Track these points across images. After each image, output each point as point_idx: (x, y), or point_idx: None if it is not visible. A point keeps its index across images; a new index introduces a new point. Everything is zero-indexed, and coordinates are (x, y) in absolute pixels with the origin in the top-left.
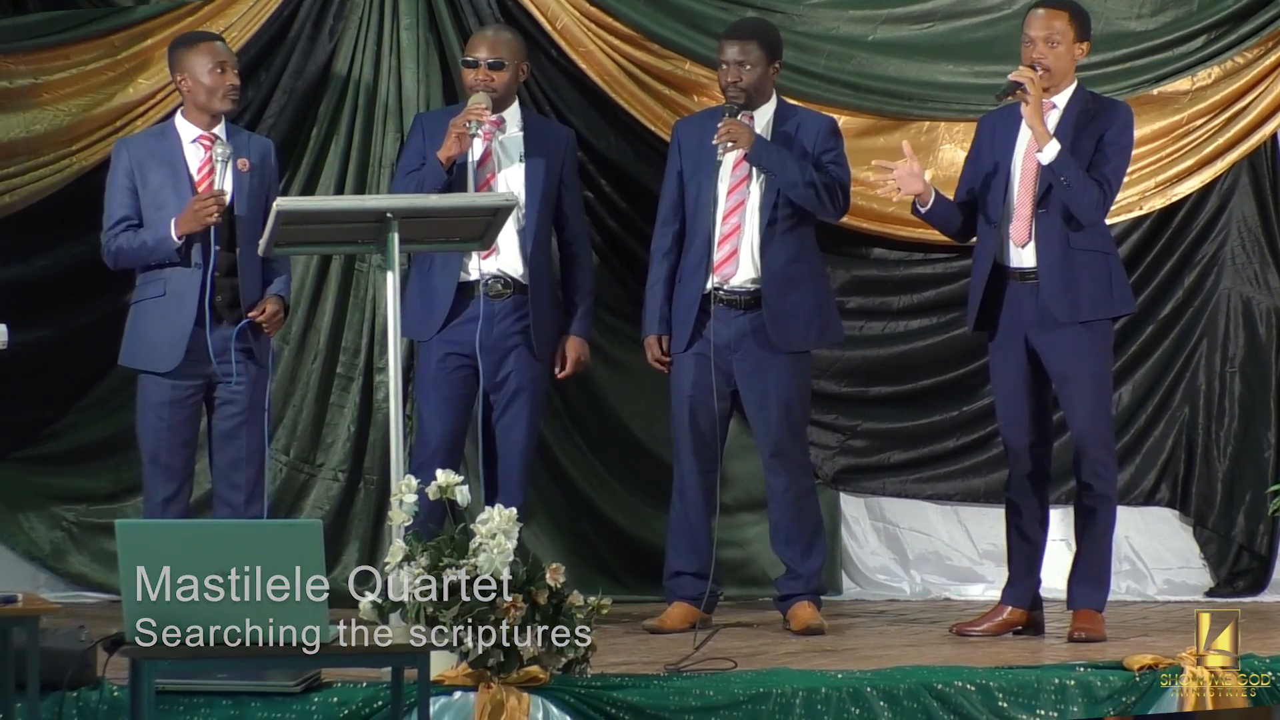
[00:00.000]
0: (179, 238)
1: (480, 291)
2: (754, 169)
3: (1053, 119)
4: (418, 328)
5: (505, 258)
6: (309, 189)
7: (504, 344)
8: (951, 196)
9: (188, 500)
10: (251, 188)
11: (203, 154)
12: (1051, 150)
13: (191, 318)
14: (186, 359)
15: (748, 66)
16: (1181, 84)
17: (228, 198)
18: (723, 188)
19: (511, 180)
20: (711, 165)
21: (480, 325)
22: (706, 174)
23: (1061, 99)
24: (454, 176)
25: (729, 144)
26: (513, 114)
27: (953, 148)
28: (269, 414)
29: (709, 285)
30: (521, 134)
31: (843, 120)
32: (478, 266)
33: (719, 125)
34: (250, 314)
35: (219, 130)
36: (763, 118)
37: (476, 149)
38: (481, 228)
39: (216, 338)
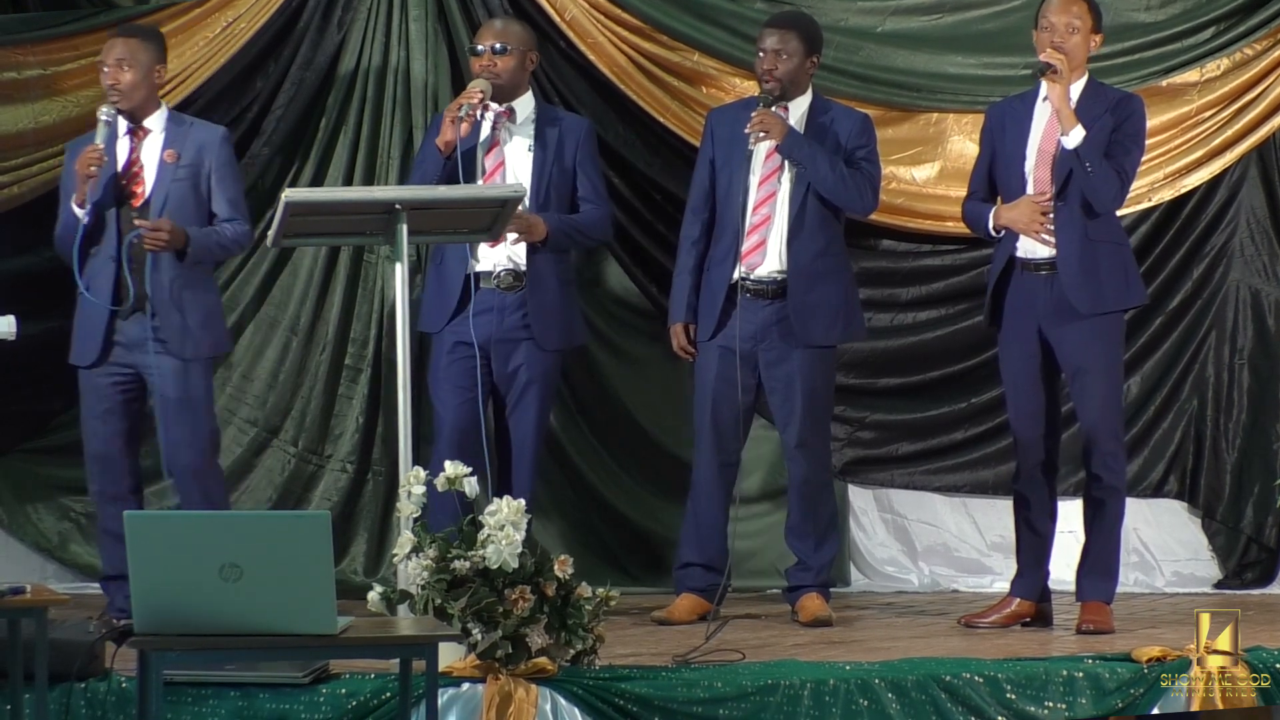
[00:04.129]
0: (78, 204)
1: (482, 284)
2: (786, 161)
3: None
4: (431, 321)
5: (513, 248)
6: (317, 180)
7: (515, 335)
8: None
9: (132, 496)
10: (176, 178)
11: (127, 147)
12: (1077, 135)
13: (106, 309)
14: (105, 351)
15: (784, 56)
16: (1190, 75)
17: (104, 155)
18: (754, 178)
19: (518, 169)
20: (743, 155)
21: (489, 317)
22: (738, 163)
23: (1074, 90)
24: (457, 163)
25: (760, 134)
26: (525, 104)
27: (961, 139)
28: (191, 405)
29: (735, 275)
30: (533, 124)
31: None
32: (488, 257)
33: (752, 115)
34: (138, 223)
35: (153, 121)
36: (797, 110)
37: (483, 133)
38: (489, 219)
39: (131, 328)
